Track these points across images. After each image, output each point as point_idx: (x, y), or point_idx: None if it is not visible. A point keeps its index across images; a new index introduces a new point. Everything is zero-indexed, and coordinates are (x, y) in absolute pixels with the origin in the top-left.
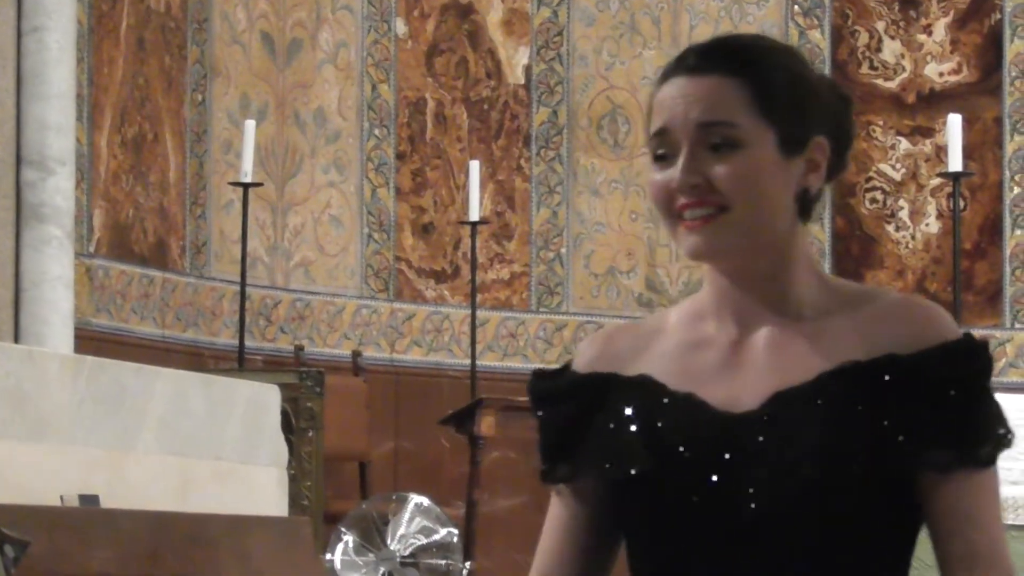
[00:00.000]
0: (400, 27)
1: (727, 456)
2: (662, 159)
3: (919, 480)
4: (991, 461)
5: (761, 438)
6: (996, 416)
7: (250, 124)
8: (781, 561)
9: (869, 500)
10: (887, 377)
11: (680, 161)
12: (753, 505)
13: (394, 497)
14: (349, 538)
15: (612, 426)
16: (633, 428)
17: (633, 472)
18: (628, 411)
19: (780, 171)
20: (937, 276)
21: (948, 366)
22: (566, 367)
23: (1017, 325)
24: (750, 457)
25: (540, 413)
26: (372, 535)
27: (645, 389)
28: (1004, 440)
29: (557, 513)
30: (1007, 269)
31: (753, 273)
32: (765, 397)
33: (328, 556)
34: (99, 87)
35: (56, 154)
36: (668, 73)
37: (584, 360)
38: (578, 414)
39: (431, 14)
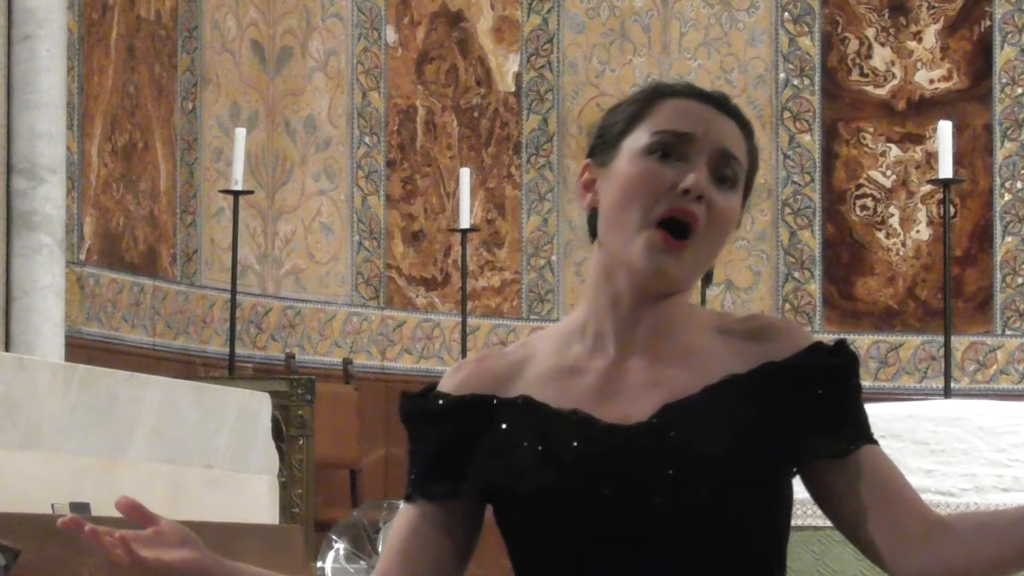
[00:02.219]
0: (390, 35)
1: (625, 466)
2: (664, 158)
3: (816, 471)
4: (876, 442)
5: (656, 446)
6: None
7: (240, 132)
8: (681, 564)
9: (761, 500)
10: (769, 383)
11: (700, 171)
12: (655, 512)
13: (385, 505)
14: (340, 546)
15: (503, 444)
16: (531, 447)
17: (537, 488)
18: (516, 429)
19: (732, 229)
20: (927, 283)
21: (825, 362)
22: (431, 389)
23: (1008, 332)
24: (648, 466)
25: (415, 432)
26: (363, 542)
27: (529, 408)
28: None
29: (411, 523)
30: (997, 276)
31: (665, 300)
32: (654, 409)
33: (319, 564)
34: (89, 95)
35: (47, 162)
36: (688, 92)
37: (454, 383)
38: (457, 434)
39: (421, 22)
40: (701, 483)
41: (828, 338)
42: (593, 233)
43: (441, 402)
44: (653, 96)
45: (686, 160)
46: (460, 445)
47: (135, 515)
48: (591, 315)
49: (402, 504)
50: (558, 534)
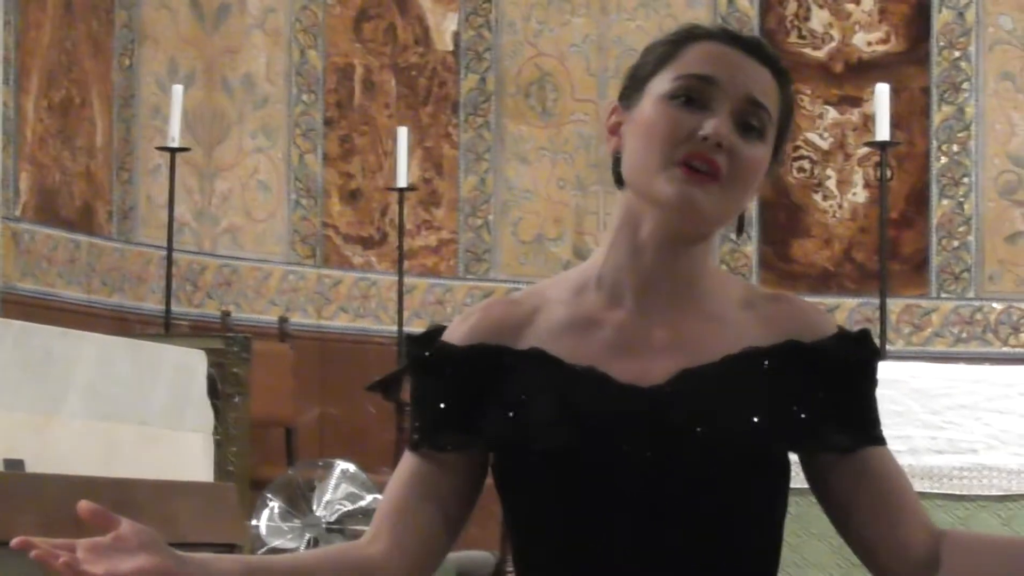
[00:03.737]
0: None
1: (644, 430)
2: (687, 102)
3: (821, 464)
4: (885, 442)
5: (672, 412)
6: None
7: (178, 89)
8: (693, 537)
9: (770, 478)
10: (790, 362)
11: (721, 117)
12: (670, 481)
13: (320, 463)
14: (275, 504)
15: (515, 399)
16: (540, 401)
17: (557, 445)
18: (530, 383)
19: (762, 179)
20: (864, 245)
21: (848, 353)
22: (438, 332)
23: (943, 294)
24: (663, 431)
25: (421, 381)
26: (298, 501)
27: (541, 362)
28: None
29: (411, 476)
30: (933, 239)
31: (686, 249)
32: (671, 374)
33: (254, 522)
34: (26, 51)
35: None
36: (712, 35)
37: (463, 332)
38: (466, 385)
39: None
40: (719, 456)
41: None
42: (618, 179)
43: (449, 351)
44: (684, 38)
45: (709, 107)
46: (470, 396)
47: (95, 521)
48: (609, 264)
49: (405, 454)
50: (569, 496)
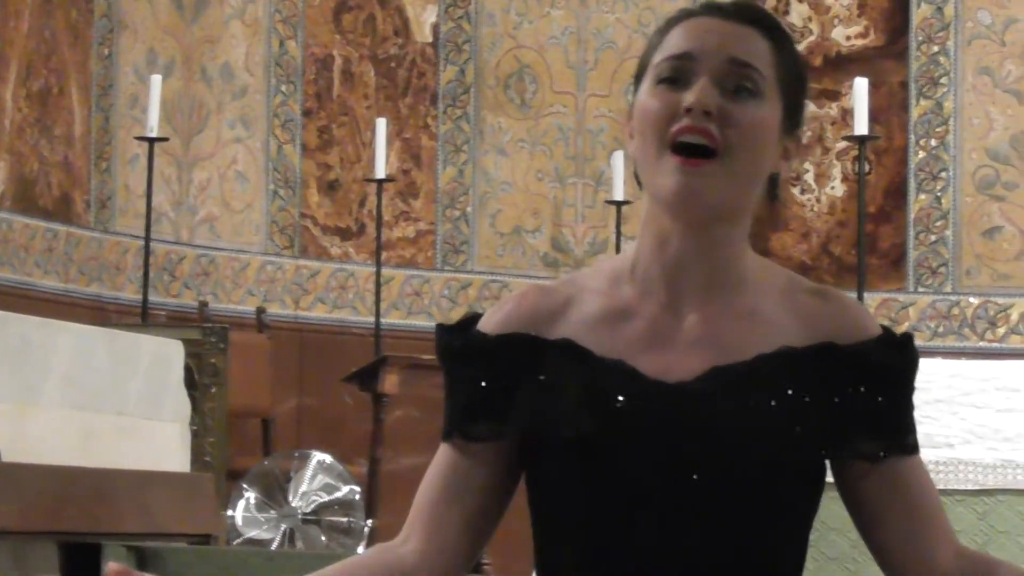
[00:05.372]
0: None
1: (667, 425)
2: (670, 83)
3: (851, 469)
4: (917, 450)
5: (700, 411)
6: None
7: (156, 79)
8: (715, 539)
9: (794, 483)
10: (825, 365)
11: (699, 84)
12: (695, 477)
13: (297, 454)
14: (251, 495)
15: (545, 388)
16: (568, 391)
17: (586, 434)
18: (559, 373)
19: (774, 140)
20: (841, 239)
21: (886, 358)
22: (471, 322)
23: (920, 288)
24: (690, 429)
25: (454, 370)
26: (274, 492)
27: (571, 353)
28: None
29: (445, 469)
30: (911, 233)
31: (708, 233)
32: (701, 371)
33: (230, 512)
34: (5, 39)
35: None
36: (691, 13)
37: (496, 321)
38: (499, 374)
39: None
40: (745, 459)
41: None
42: (638, 179)
43: (481, 340)
44: (667, 25)
45: (690, 82)
46: (502, 385)
47: None
48: (641, 255)
49: (439, 449)
50: (592, 490)
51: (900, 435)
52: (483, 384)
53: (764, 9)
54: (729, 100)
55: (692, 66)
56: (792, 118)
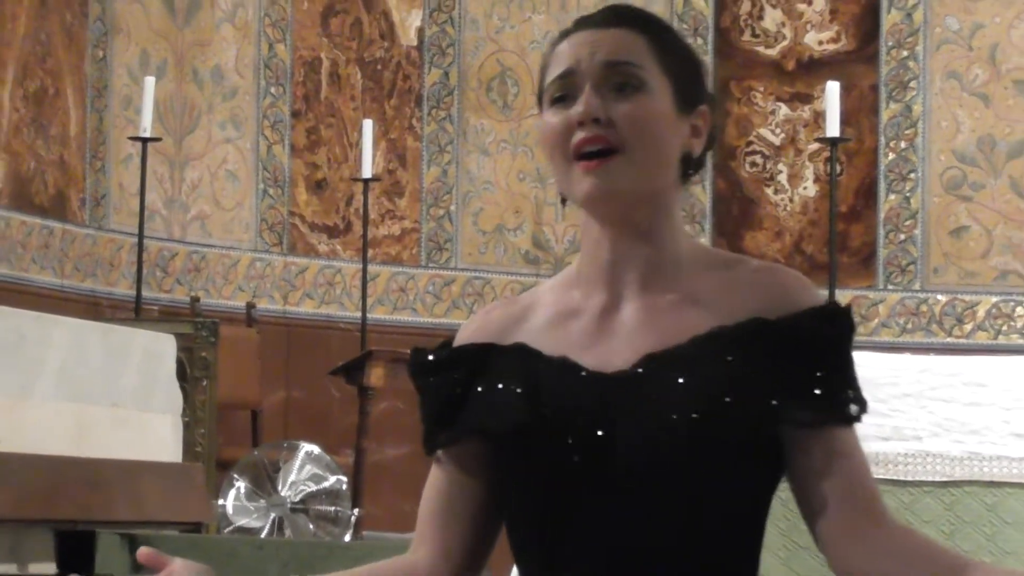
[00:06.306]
0: None
1: (601, 414)
2: (561, 101)
3: (788, 441)
4: (857, 419)
5: (633, 396)
6: (856, 378)
7: (149, 80)
8: (653, 519)
9: (736, 461)
10: (758, 340)
11: (583, 96)
12: (627, 462)
13: (285, 445)
14: (241, 484)
15: (492, 389)
16: (513, 390)
17: (510, 428)
18: (506, 375)
19: (672, 124)
20: (813, 238)
21: (817, 329)
22: (446, 344)
23: (890, 286)
24: (623, 415)
25: (420, 385)
26: (263, 481)
27: (521, 356)
28: (864, 401)
29: (436, 481)
30: (881, 232)
31: (634, 225)
32: (638, 357)
33: (220, 501)
34: (2, 42)
35: None
36: (567, 32)
37: (463, 336)
38: (458, 383)
39: None
40: (671, 438)
41: None
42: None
43: (443, 355)
44: (551, 49)
45: (578, 94)
46: (458, 393)
47: (151, 563)
48: (583, 259)
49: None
50: (534, 481)
51: (837, 405)
52: (443, 394)
53: (632, 7)
54: (616, 100)
55: (575, 80)
56: (686, 98)
